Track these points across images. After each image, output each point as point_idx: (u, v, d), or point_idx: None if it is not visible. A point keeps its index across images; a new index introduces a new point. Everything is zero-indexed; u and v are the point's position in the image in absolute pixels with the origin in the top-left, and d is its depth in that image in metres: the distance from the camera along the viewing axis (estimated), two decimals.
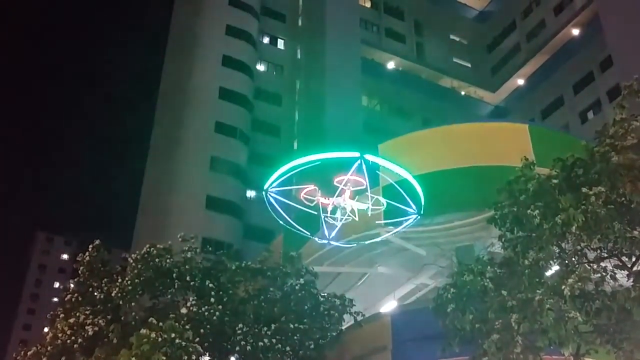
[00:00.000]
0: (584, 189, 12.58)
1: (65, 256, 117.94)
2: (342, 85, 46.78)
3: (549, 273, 13.34)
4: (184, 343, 15.63)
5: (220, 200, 42.96)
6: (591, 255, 13.30)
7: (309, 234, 19.18)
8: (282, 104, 51.01)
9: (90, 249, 21.40)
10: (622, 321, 11.97)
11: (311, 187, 16.99)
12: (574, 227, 12.24)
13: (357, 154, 15.57)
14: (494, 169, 18.93)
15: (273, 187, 16.88)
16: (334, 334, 20.68)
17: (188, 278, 20.01)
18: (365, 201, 17.12)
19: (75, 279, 21.31)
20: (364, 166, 15.87)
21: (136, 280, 19.58)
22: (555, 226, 12.54)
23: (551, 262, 13.20)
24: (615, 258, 12.98)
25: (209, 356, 18.15)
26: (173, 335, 15.52)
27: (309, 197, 16.79)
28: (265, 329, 18.32)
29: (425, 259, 22.28)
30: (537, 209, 13.10)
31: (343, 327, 21.09)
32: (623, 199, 12.53)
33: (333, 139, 43.16)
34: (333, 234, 17.46)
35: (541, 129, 25.30)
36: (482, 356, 13.14)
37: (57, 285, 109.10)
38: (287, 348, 18.14)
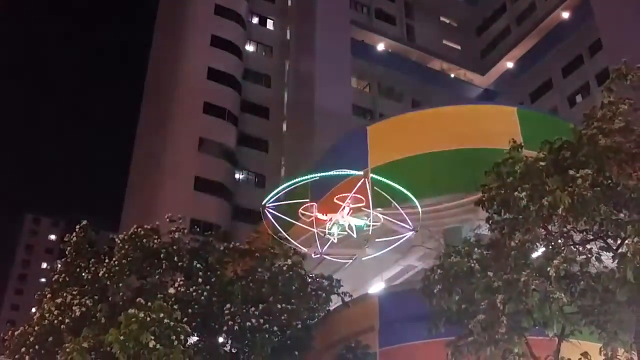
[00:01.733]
0: (571, 172, 12.67)
1: (52, 237, 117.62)
2: (331, 67, 46.59)
3: (535, 255, 13.45)
4: (172, 323, 15.63)
5: (209, 181, 42.84)
6: (577, 237, 13.42)
7: (304, 249, 19.25)
8: (272, 85, 50.78)
9: (77, 230, 21.32)
10: (606, 302, 12.10)
11: (308, 203, 17.08)
12: (560, 210, 12.33)
13: (361, 173, 15.74)
14: (482, 152, 18.97)
15: (270, 203, 16.95)
16: (322, 314, 20.79)
17: (176, 259, 19.98)
18: (362, 217, 17.21)
19: (63, 260, 21.22)
20: (367, 185, 15.97)
21: (124, 261, 19.53)
22: (542, 208, 12.63)
23: (537, 244, 13.32)
24: (601, 240, 13.10)
25: (197, 336, 18.19)
26: (161, 315, 15.51)
27: (306, 213, 16.89)
28: (253, 309, 18.38)
29: (413, 241, 22.33)
30: (524, 191, 13.17)
31: (331, 308, 21.20)
32: (609, 181, 12.64)
33: (322, 120, 43.11)
34: (325, 247, 17.59)
35: (529, 112, 25.37)
36: (467, 336, 13.27)
37: (44, 265, 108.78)
38: (275, 328, 18.23)
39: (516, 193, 13.32)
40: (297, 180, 16.74)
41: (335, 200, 16.40)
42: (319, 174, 16.90)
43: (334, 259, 19.56)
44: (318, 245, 17.30)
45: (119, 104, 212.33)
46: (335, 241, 16.93)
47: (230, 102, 46.58)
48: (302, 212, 17.16)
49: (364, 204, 16.24)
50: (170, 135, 44.21)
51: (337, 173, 17.09)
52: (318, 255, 18.42)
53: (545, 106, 48.50)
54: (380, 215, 16.72)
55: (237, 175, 46.10)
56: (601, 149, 12.76)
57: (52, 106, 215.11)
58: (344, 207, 16.45)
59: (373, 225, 17.24)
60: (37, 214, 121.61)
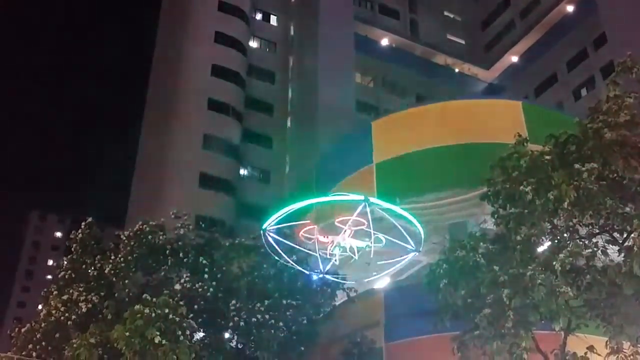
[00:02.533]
0: (576, 166, 12.63)
1: (58, 234, 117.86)
2: (335, 62, 46.48)
3: (540, 249, 13.43)
4: (177, 318, 15.69)
5: (214, 177, 42.82)
6: (583, 231, 13.39)
7: (306, 271, 19.25)
8: (275, 81, 50.68)
9: (83, 227, 21.39)
10: (612, 296, 12.08)
11: (310, 225, 17.07)
12: (566, 203, 12.29)
13: (361, 197, 15.70)
14: (488, 146, 18.91)
15: (272, 226, 16.97)
16: (327, 309, 20.82)
17: (181, 255, 20.05)
18: (364, 239, 17.21)
19: (69, 257, 21.30)
20: (367, 209, 15.95)
21: (129, 257, 19.61)
22: (547, 202, 12.60)
23: (543, 238, 13.29)
24: (607, 234, 13.06)
25: (203, 332, 18.24)
26: (167, 310, 15.57)
27: (308, 236, 16.89)
28: (258, 305, 18.43)
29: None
30: (530, 185, 13.13)
31: (336, 303, 21.23)
32: (615, 175, 12.59)
33: (326, 116, 43.04)
34: (328, 267, 17.60)
35: (534, 106, 25.30)
36: (473, 331, 13.27)
37: (51, 263, 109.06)
38: (281, 324, 18.29)
39: (522, 187, 13.28)
40: (296, 205, 16.64)
41: (336, 224, 16.37)
42: (317, 200, 16.75)
43: (339, 281, 19.52)
44: (321, 266, 17.31)
45: (124, 102, 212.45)
46: (337, 263, 16.96)
47: (234, 99, 46.53)
48: (304, 234, 17.15)
49: (365, 226, 16.22)
50: (175, 132, 44.21)
51: (335, 198, 16.91)
52: (321, 276, 18.45)
53: (550, 100, 48.30)
54: (382, 237, 16.67)
55: (241, 172, 46.08)
56: (607, 143, 12.70)
57: (57, 104, 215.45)
58: (345, 230, 16.44)
59: (375, 246, 17.20)
60: (43, 211, 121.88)
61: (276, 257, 19.18)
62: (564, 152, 13.63)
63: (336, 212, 16.46)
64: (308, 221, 17.25)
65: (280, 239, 17.96)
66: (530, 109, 22.23)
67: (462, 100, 24.08)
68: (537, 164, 13.67)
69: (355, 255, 17.15)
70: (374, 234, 16.64)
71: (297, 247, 18.31)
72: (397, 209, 16.82)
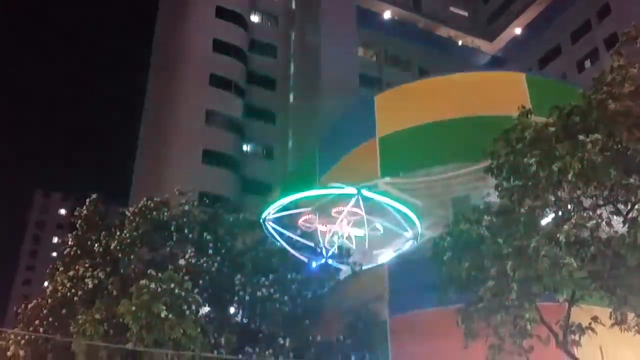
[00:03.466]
0: (580, 137, 12.54)
1: (62, 212, 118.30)
2: (337, 36, 46.13)
3: (544, 221, 13.42)
4: (183, 293, 15.83)
5: (217, 154, 42.80)
6: (587, 202, 13.34)
7: (306, 259, 19.25)
8: (277, 55, 50.37)
9: (87, 204, 21.45)
10: (616, 267, 12.08)
11: (309, 214, 17.06)
12: (570, 175, 12.24)
13: (354, 190, 15.62)
14: (491, 119, 18.81)
15: (271, 215, 16.97)
16: (332, 283, 20.91)
17: (186, 231, 20.12)
18: (362, 227, 17.17)
19: (74, 233, 21.39)
20: (360, 200, 15.90)
21: (134, 234, 19.68)
22: (551, 174, 12.55)
23: (547, 210, 13.27)
24: (611, 205, 13.02)
25: (208, 307, 18.38)
26: (172, 285, 15.70)
27: (307, 225, 16.88)
28: (263, 279, 18.52)
29: (422, 210, 22.35)
30: (534, 157, 13.07)
31: (340, 277, 21.32)
32: (619, 146, 12.51)
33: (329, 91, 42.84)
34: (330, 252, 17.61)
35: (538, 78, 25.09)
36: (477, 303, 13.32)
37: (55, 240, 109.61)
38: (286, 298, 18.39)
39: (525, 159, 13.22)
40: (290, 197, 16.60)
41: (333, 214, 16.36)
42: (310, 192, 16.67)
43: (340, 266, 19.54)
44: (325, 252, 17.36)
45: (126, 78, 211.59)
46: (336, 251, 17.03)
47: (236, 74, 46.31)
48: (303, 223, 17.16)
49: (362, 215, 16.21)
50: (178, 109, 44.09)
51: (329, 191, 16.79)
52: (323, 262, 18.54)
53: (554, 72, 47.96)
54: (380, 226, 16.66)
55: (244, 148, 46.03)
56: (611, 114, 12.61)
57: (60, 82, 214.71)
58: (342, 219, 16.45)
59: (374, 234, 17.18)
60: (47, 190, 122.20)
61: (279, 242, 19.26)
62: (568, 124, 13.54)
63: (333, 201, 16.45)
64: (308, 210, 17.27)
65: (280, 229, 18.02)
66: (534, 81, 22.06)
67: (466, 73, 23.87)
68: (541, 136, 13.60)
69: (353, 243, 17.20)
70: (372, 221, 16.68)
71: (297, 238, 18.38)
72: (390, 201, 16.75)
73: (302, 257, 18.98)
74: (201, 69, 44.95)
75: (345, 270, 21.29)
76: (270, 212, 16.67)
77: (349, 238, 16.64)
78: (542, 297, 13.10)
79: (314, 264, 19.44)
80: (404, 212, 16.62)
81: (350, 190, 15.38)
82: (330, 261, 18.14)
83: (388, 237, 18.35)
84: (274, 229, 17.03)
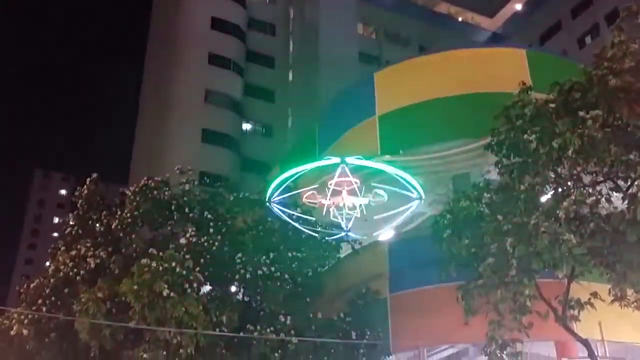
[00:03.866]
0: (580, 113, 12.52)
1: (63, 192, 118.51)
2: (336, 14, 45.81)
3: (544, 198, 13.44)
4: (184, 272, 15.90)
5: (216, 133, 42.70)
6: (587, 179, 13.36)
7: (315, 234, 19.18)
8: (276, 33, 50.01)
9: (88, 183, 21.47)
10: (615, 243, 12.11)
11: (309, 192, 16.99)
12: (570, 152, 12.24)
13: (337, 160, 15.49)
14: (492, 96, 18.72)
15: (275, 198, 16.93)
16: (332, 262, 20.99)
17: (186, 210, 20.16)
18: (366, 195, 17.09)
19: (75, 213, 21.43)
20: (346, 168, 15.77)
21: (135, 213, 19.73)
22: (551, 151, 12.55)
23: (547, 186, 13.28)
24: (611, 181, 13.03)
25: (210, 285, 18.47)
26: (174, 264, 15.78)
27: (311, 201, 16.82)
28: (264, 257, 18.57)
29: (422, 187, 22.37)
30: (534, 134, 13.05)
31: (341, 255, 21.40)
32: (620, 122, 12.48)
33: (328, 68, 42.65)
34: (350, 224, 17.56)
35: (539, 54, 24.91)
36: (477, 280, 13.39)
37: (56, 220, 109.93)
38: (286, 276, 18.46)
39: (525, 136, 13.21)
40: (285, 177, 16.49)
41: (329, 186, 16.28)
42: (304, 169, 16.50)
43: (358, 237, 19.47)
44: (344, 225, 17.33)
45: (124, 57, 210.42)
46: (343, 221, 17.00)
47: (235, 52, 46.02)
48: (307, 199, 17.12)
49: (358, 183, 16.14)
50: (176, 88, 43.88)
51: (312, 165, 16.63)
52: (343, 234, 18.50)
53: (554, 48, 47.68)
54: (384, 194, 16.61)
55: (244, 127, 45.92)
56: (611, 89, 12.54)
57: (59, 61, 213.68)
58: (343, 190, 16.39)
59: (378, 201, 17.15)
60: (47, 169, 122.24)
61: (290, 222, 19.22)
62: (569, 100, 13.50)
63: (331, 175, 16.38)
64: (310, 188, 17.23)
65: (288, 211, 17.99)
66: (535, 57, 21.91)
67: (466, 49, 23.68)
68: (541, 113, 13.58)
69: (357, 212, 17.19)
70: (374, 188, 16.63)
71: (303, 215, 18.38)
72: (379, 165, 16.65)
73: (313, 233, 18.94)
74: (200, 48, 44.67)
75: (346, 247, 21.35)
76: (274, 196, 16.68)
77: (353, 208, 16.63)
78: (541, 274, 13.17)
79: (331, 238, 19.33)
80: (400, 176, 16.59)
81: (334, 160, 15.33)
82: (351, 233, 18.12)
83: (394, 202, 18.37)
84: (281, 210, 17.04)
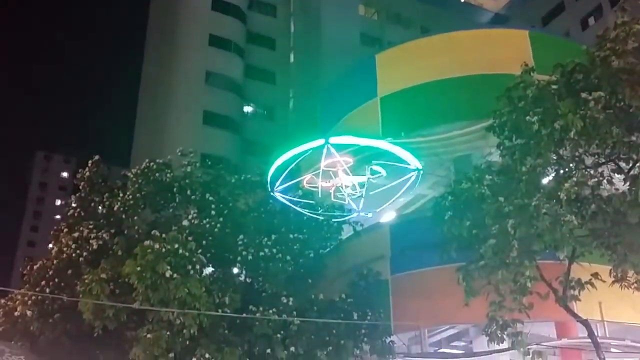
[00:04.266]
0: (583, 94, 12.49)
1: (65, 174, 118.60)
2: None
3: (545, 180, 13.45)
4: (187, 253, 15.96)
5: (217, 115, 42.63)
6: (588, 160, 13.37)
7: (320, 217, 19.13)
8: (277, 14, 49.71)
9: (90, 165, 21.47)
10: (617, 224, 12.17)
11: (309, 176, 16.90)
12: (572, 133, 12.23)
13: (322, 141, 15.35)
14: (494, 77, 18.68)
15: (278, 188, 16.86)
16: (334, 243, 21.06)
17: (188, 192, 20.18)
18: (364, 173, 17.02)
19: (77, 195, 21.46)
20: (332, 149, 15.62)
21: (137, 195, 19.76)
22: (553, 132, 12.53)
23: (549, 168, 13.29)
24: (613, 163, 13.05)
25: (212, 267, 18.55)
26: (176, 246, 15.83)
27: (312, 186, 16.75)
28: (265, 239, 18.63)
29: (423, 170, 22.37)
30: (536, 115, 13.02)
31: (342, 237, 21.46)
32: (622, 103, 12.46)
33: (329, 50, 42.46)
34: (360, 205, 17.47)
35: (541, 35, 24.78)
36: (478, 261, 13.45)
37: (58, 203, 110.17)
38: (288, 257, 18.52)
39: (527, 117, 13.18)
40: (278, 165, 16.44)
41: (324, 168, 16.21)
42: (289, 156, 16.43)
43: (365, 215, 19.42)
44: (353, 206, 17.26)
45: (125, 38, 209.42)
46: (347, 202, 16.96)
47: (236, 34, 45.77)
48: (307, 184, 17.08)
49: (351, 162, 16.06)
50: (177, 70, 43.73)
51: (301, 148, 16.50)
52: (356, 214, 18.44)
53: (557, 29, 47.41)
54: (381, 170, 16.54)
55: (245, 109, 45.82)
56: (614, 71, 12.52)
57: (60, 42, 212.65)
58: (338, 171, 16.31)
59: (375, 178, 17.10)
60: (49, 152, 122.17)
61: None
62: (571, 81, 13.47)
63: (324, 155, 16.30)
64: (310, 173, 17.16)
65: (293, 198, 17.97)
66: (538, 38, 21.81)
67: (468, 30, 23.57)
68: (543, 94, 13.54)
69: (358, 191, 17.16)
70: (370, 165, 16.56)
71: (304, 201, 18.34)
72: (360, 140, 16.51)
73: (321, 216, 18.90)
74: (200, 29, 44.45)
75: (347, 228, 21.40)
76: (277, 185, 16.67)
77: (354, 188, 16.62)
78: (542, 255, 13.24)
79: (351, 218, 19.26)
80: (393, 151, 16.52)
81: (319, 142, 15.28)
82: (362, 213, 18.10)
83: (393, 179, 18.35)
84: (285, 198, 17.04)
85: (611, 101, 12.42)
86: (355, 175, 17.09)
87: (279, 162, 17.25)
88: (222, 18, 45.15)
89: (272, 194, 18.03)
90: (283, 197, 17.11)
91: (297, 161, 16.75)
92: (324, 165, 16.11)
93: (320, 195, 17.81)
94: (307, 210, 18.11)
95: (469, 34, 23.10)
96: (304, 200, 17.83)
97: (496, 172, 14.30)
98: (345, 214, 18.88)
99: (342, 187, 16.68)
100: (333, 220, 19.77)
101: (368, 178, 17.04)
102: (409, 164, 16.99)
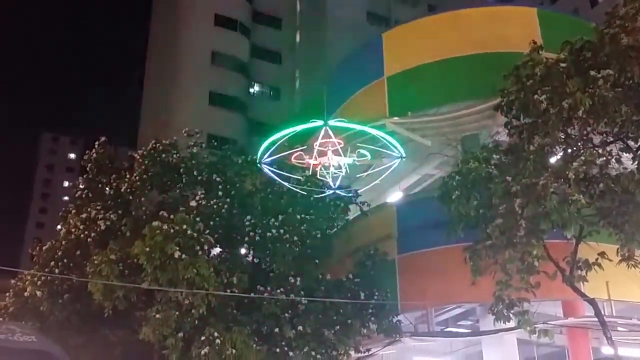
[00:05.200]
0: (592, 73, 12.40)
1: (72, 155, 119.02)
2: None
3: (553, 159, 13.40)
4: (195, 234, 16.01)
5: (224, 95, 42.58)
6: (597, 139, 13.31)
7: (304, 192, 18.94)
8: None
9: (96, 146, 21.50)
10: (624, 204, 12.12)
11: (298, 152, 16.74)
12: (580, 112, 12.17)
13: (321, 122, 15.26)
14: (502, 56, 18.49)
15: (266, 159, 16.70)
16: (341, 224, 21.07)
17: (195, 173, 20.18)
18: (351, 155, 16.89)
19: (84, 176, 21.51)
20: (330, 131, 15.50)
21: (144, 176, 19.76)
22: (561, 111, 12.46)
23: (556, 147, 13.23)
24: (621, 142, 12.98)
25: (220, 248, 18.61)
26: (184, 226, 15.87)
27: (299, 162, 16.61)
28: (272, 220, 18.64)
29: (430, 149, 22.30)
30: (544, 94, 12.94)
31: (349, 217, 21.47)
32: (631, 81, 12.37)
33: (336, 29, 42.20)
34: (337, 183, 17.40)
35: (550, 13, 24.56)
36: (485, 240, 13.46)
37: (66, 184, 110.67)
38: (295, 238, 18.54)
39: (536, 96, 13.10)
40: (273, 140, 16.29)
41: (316, 147, 16.10)
42: (286, 133, 16.31)
43: (343, 194, 19.27)
44: (331, 183, 17.19)
45: (130, 19, 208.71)
46: (330, 181, 16.91)
47: (241, 13, 45.57)
48: (295, 160, 16.96)
49: (342, 144, 16.02)
50: (183, 50, 43.62)
51: (296, 129, 16.36)
52: (331, 192, 18.29)
53: (565, 7, 46.88)
54: (367, 153, 16.43)
55: (251, 89, 45.71)
56: (623, 48, 12.41)
57: (66, 23, 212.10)
58: (318, 150, 16.20)
59: (360, 161, 17.02)
60: (55, 133, 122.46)
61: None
62: (580, 59, 13.37)
63: (316, 137, 16.21)
64: (298, 148, 17.02)
65: (279, 172, 17.83)
66: (546, 16, 21.57)
67: (476, 8, 23.30)
68: (551, 72, 13.44)
69: (343, 171, 17.01)
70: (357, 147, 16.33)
71: (292, 175, 18.19)
72: (355, 126, 16.48)
73: (302, 191, 18.82)
74: (205, 8, 44.25)
75: (354, 209, 21.39)
76: (265, 157, 16.61)
77: (339, 167, 16.58)
78: (549, 234, 13.22)
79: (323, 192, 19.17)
80: (382, 136, 16.45)
81: (317, 123, 15.29)
82: (338, 192, 18.01)
83: (379, 161, 18.28)
84: (272, 170, 16.96)
85: (620, 79, 12.32)
86: (344, 156, 17.03)
87: (272, 138, 17.16)
88: None
89: (258, 165, 17.83)
90: (269, 169, 17.04)
91: (283, 138, 16.68)
92: (317, 145, 16.08)
93: (309, 172, 17.70)
94: (290, 184, 18.08)
95: (477, 11, 22.83)
96: (292, 176, 17.73)
97: (504, 151, 14.27)
98: (324, 190, 18.76)
99: (328, 166, 16.62)
100: (319, 196, 19.43)
101: (354, 160, 16.93)
102: (394, 152, 16.86)
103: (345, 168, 16.35)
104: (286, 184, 17.65)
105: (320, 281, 18.34)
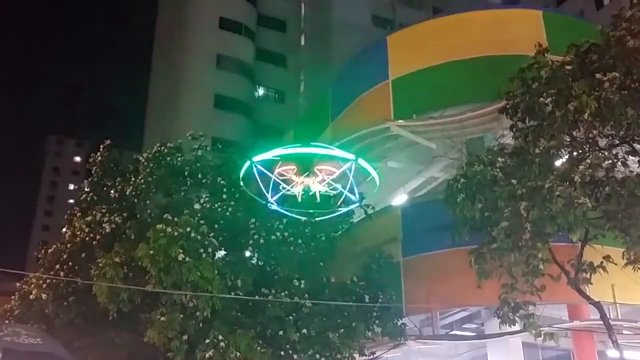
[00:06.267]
0: (598, 75, 12.36)
1: (77, 158, 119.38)
2: None
3: (559, 162, 13.36)
4: (199, 237, 16.02)
5: (229, 99, 42.67)
6: (603, 142, 13.25)
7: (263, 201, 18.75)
8: None
9: (101, 150, 21.56)
10: (630, 207, 12.08)
11: (291, 166, 16.57)
12: (586, 114, 12.12)
13: (352, 156, 15.14)
14: (507, 58, 18.45)
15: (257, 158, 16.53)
16: (345, 226, 21.05)
17: (200, 176, 20.23)
18: (332, 186, 16.78)
19: (89, 179, 21.58)
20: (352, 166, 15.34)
21: (149, 179, 19.82)
22: (567, 114, 12.42)
23: (562, 150, 13.19)
24: (627, 144, 12.93)
25: (224, 251, 18.61)
26: (189, 229, 15.89)
27: (282, 173, 16.49)
28: (277, 223, 18.65)
29: (435, 152, 22.25)
30: (550, 96, 12.91)
31: (354, 220, 21.45)
32: (637, 84, 12.33)
33: (340, 32, 42.23)
34: (276, 197, 17.22)
35: (555, 15, 24.46)
36: (491, 243, 13.42)
37: (71, 187, 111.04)
38: (299, 241, 18.55)
39: (541, 99, 13.07)
40: (294, 152, 16.10)
41: (315, 169, 15.96)
42: (317, 152, 16.09)
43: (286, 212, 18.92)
44: (269, 196, 16.88)
45: (135, 22, 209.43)
46: (300, 200, 16.77)
47: (246, 16, 45.67)
48: (280, 172, 16.79)
49: (335, 174, 15.83)
50: (188, 54, 43.75)
51: (327, 151, 16.04)
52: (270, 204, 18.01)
53: (571, 9, 46.86)
54: (339, 186, 16.25)
55: (256, 92, 45.77)
56: (629, 51, 12.38)
57: (70, 25, 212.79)
58: (319, 176, 16.02)
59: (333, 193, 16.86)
60: (61, 136, 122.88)
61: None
62: (586, 62, 13.33)
63: (322, 161, 16.03)
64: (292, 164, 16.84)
65: (266, 172, 17.60)
66: (551, 18, 21.48)
67: (481, 11, 23.26)
68: (557, 75, 13.40)
69: (317, 198, 16.84)
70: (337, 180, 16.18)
71: (279, 181, 17.96)
72: (372, 170, 16.31)
73: (260, 200, 18.57)
74: (210, 12, 44.38)
75: (359, 212, 21.34)
76: (264, 157, 16.40)
77: (313, 193, 16.45)
78: (555, 237, 13.17)
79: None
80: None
81: (349, 155, 15.12)
82: (274, 205, 17.74)
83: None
84: (258, 170, 16.69)
85: (626, 82, 12.28)
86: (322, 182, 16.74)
87: (302, 150, 16.83)
88: (232, 1, 45.03)
89: (249, 161, 17.48)
90: (257, 170, 16.69)
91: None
92: (277, 173, 15.85)
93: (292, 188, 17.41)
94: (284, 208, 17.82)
95: (482, 14, 22.78)
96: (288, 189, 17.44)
97: (509, 154, 14.22)
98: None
99: (305, 188, 16.40)
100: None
101: (326, 190, 16.64)
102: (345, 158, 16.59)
103: (318, 195, 16.17)
104: (283, 210, 17.31)
105: (324, 284, 18.32)
